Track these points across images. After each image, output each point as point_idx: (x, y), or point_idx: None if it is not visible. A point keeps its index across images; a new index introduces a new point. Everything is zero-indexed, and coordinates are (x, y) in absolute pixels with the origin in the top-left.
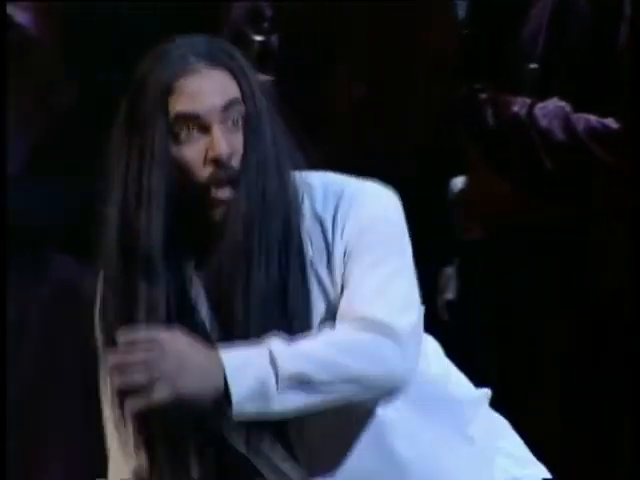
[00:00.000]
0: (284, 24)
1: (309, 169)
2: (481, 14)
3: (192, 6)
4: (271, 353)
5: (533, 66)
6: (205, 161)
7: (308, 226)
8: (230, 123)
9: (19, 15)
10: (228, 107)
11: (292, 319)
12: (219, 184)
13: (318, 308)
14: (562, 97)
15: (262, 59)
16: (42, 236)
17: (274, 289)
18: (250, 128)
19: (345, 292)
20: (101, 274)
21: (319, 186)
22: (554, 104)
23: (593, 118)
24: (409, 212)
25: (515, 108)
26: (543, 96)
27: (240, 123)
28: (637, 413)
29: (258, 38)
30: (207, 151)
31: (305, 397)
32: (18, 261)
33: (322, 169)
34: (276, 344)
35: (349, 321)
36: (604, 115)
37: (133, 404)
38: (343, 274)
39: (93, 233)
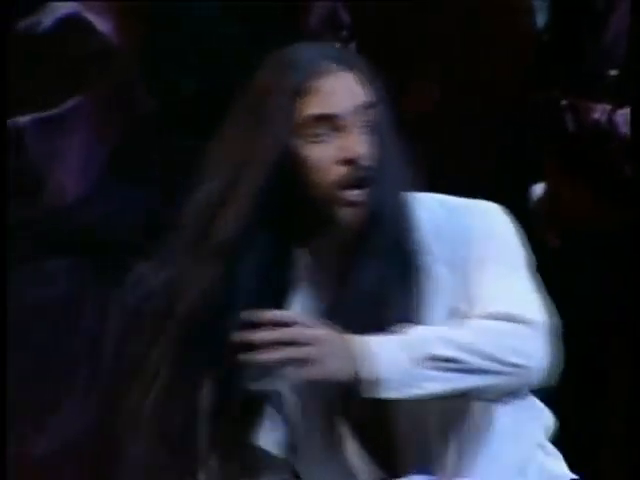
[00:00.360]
0: (361, 30)
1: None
2: (561, 20)
3: (270, 6)
4: (413, 336)
5: (613, 72)
6: (337, 161)
7: (424, 235)
8: (361, 126)
9: (100, 23)
10: (361, 110)
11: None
12: (350, 185)
13: (437, 312)
14: None
15: None
16: (124, 241)
17: (385, 294)
18: (377, 133)
19: (472, 297)
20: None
21: (428, 200)
22: None
23: None
24: None
25: (596, 115)
26: (624, 103)
27: (369, 128)
28: None
29: (337, 46)
30: (340, 151)
31: (447, 381)
32: (100, 264)
33: None
34: (418, 329)
35: (485, 316)
36: None
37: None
38: (467, 282)
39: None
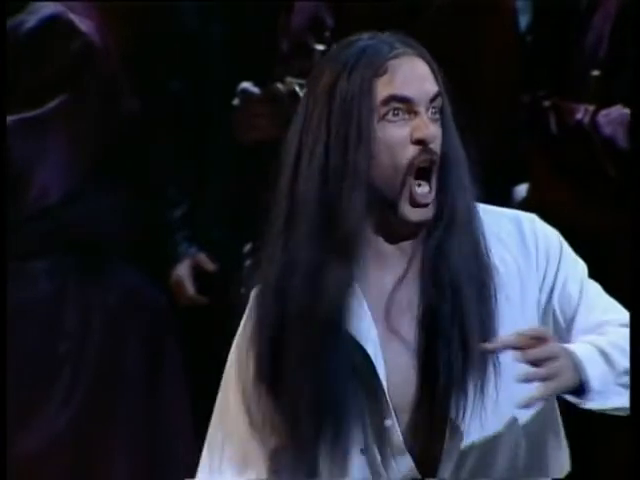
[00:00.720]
0: (346, 33)
1: None
2: (544, 22)
3: (255, 6)
4: (602, 348)
5: (596, 73)
6: (410, 141)
7: (488, 242)
8: (431, 113)
9: (84, 23)
10: (435, 97)
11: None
12: (419, 171)
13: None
14: (626, 104)
15: None
16: (106, 243)
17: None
18: (445, 123)
19: (579, 306)
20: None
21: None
22: (618, 111)
23: None
24: None
25: (578, 115)
26: (606, 103)
27: (438, 116)
28: None
29: (319, 47)
30: (412, 131)
31: (625, 395)
32: (82, 264)
33: None
34: (592, 338)
35: (622, 324)
36: None
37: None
38: (550, 293)
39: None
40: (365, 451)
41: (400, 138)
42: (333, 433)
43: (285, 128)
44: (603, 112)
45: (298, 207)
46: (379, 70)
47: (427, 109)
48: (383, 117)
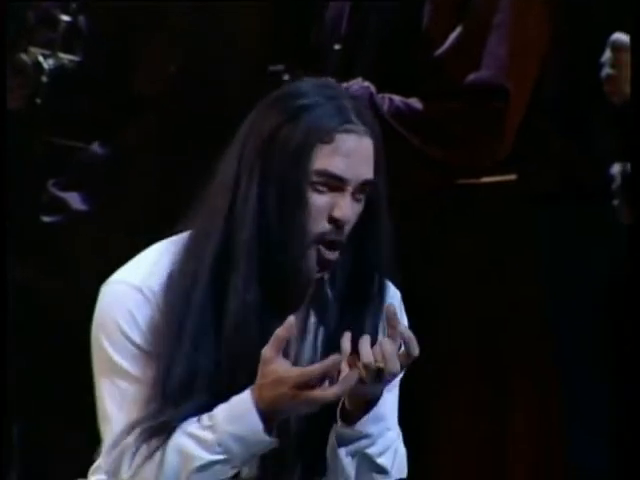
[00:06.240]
0: (92, 5)
1: None
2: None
3: None
4: None
5: (337, 47)
6: (327, 216)
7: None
8: (359, 194)
9: None
10: (365, 184)
11: None
12: (327, 244)
13: None
14: (366, 77)
15: (69, 39)
16: None
17: None
18: (369, 212)
19: None
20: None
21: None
22: (358, 84)
23: (397, 98)
24: None
25: None
26: (347, 76)
27: (362, 197)
28: None
29: (65, 18)
30: (331, 208)
31: None
32: None
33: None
34: None
35: None
36: (407, 94)
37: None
38: None
39: None
40: None
41: (320, 209)
42: None
43: (30, 99)
44: (344, 85)
45: (235, 239)
46: (325, 137)
47: (355, 190)
48: (312, 184)
